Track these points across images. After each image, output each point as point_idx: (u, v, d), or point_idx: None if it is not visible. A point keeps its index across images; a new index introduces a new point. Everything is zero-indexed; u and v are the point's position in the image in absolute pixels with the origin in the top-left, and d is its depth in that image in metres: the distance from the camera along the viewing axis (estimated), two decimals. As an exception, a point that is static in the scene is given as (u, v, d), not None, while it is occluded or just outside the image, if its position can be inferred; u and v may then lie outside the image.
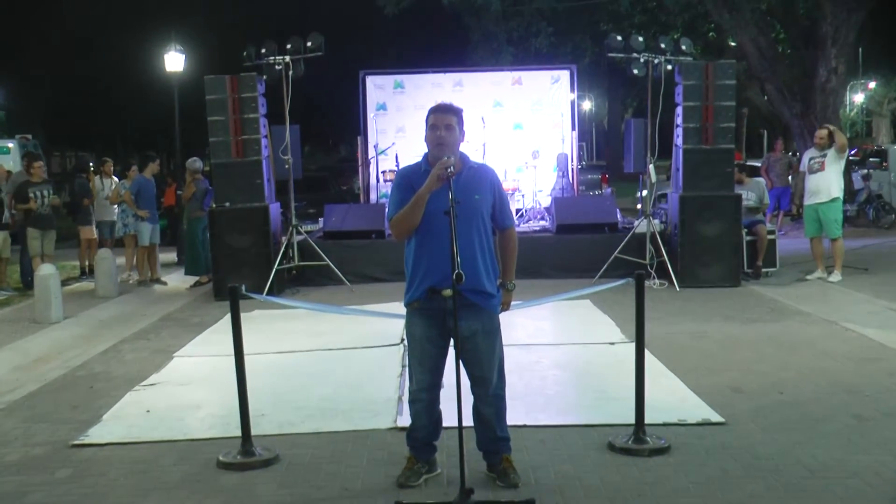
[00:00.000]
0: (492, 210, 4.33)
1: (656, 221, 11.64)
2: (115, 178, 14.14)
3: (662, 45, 11.13)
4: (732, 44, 21.06)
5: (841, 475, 4.47)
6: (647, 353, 5.11)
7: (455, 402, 3.95)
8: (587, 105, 50.03)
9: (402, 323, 4.53)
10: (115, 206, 13.27)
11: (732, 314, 8.95)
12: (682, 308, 9.38)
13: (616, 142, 34.50)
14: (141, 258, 12.52)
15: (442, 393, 4.38)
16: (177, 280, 12.62)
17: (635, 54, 11.08)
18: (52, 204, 11.77)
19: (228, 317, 5.01)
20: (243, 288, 5.00)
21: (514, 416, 4.77)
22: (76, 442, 5.35)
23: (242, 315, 4.97)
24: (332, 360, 7.37)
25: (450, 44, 26.57)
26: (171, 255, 14.90)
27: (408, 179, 4.27)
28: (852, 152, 20.75)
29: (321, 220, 12.96)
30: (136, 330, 9.10)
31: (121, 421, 5.79)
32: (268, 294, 10.15)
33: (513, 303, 4.51)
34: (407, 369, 4.55)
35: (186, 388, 6.62)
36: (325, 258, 11.16)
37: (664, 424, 5.24)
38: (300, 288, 11.31)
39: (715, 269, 10.63)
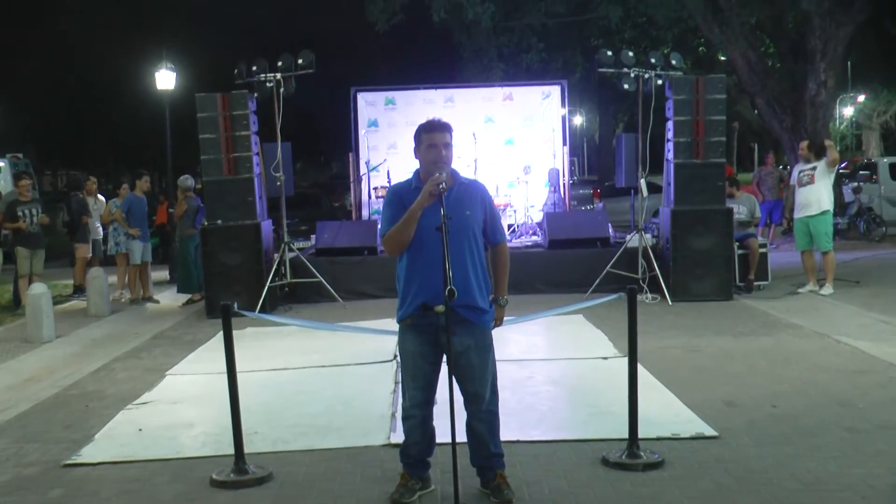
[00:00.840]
0: (483, 226, 4.35)
1: (648, 236, 11.67)
2: (101, 197, 14.11)
3: (653, 60, 11.19)
4: (722, 58, 21.23)
5: (835, 488, 4.48)
6: (640, 367, 5.12)
7: (448, 418, 3.95)
8: (578, 120, 50.16)
9: (394, 339, 4.53)
10: (104, 224, 13.26)
11: (725, 328, 8.96)
12: (674, 322, 9.39)
13: (607, 156, 34.58)
14: (133, 276, 12.50)
15: (435, 409, 4.38)
16: (169, 298, 12.60)
17: (626, 69, 11.13)
18: (41, 223, 11.75)
19: (221, 334, 5.00)
20: (235, 305, 5.00)
21: (507, 432, 4.77)
22: (68, 461, 5.32)
23: (235, 332, 4.96)
24: (324, 378, 7.35)
25: (441, 60, 26.67)
26: (163, 273, 14.87)
27: (399, 196, 4.28)
28: (842, 165, 20.85)
29: (313, 236, 12.96)
30: (129, 348, 9.07)
31: (113, 440, 5.77)
32: (260, 311, 10.18)
33: (505, 318, 4.52)
34: (400, 386, 4.54)
35: (179, 407, 6.59)
36: (318, 275, 11.16)
37: (658, 439, 5.24)
38: (292, 305, 11.29)
39: (707, 283, 10.66)
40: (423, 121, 4.36)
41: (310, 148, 39.93)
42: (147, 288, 12.65)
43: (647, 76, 11.07)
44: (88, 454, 5.46)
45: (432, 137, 4.24)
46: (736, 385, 6.61)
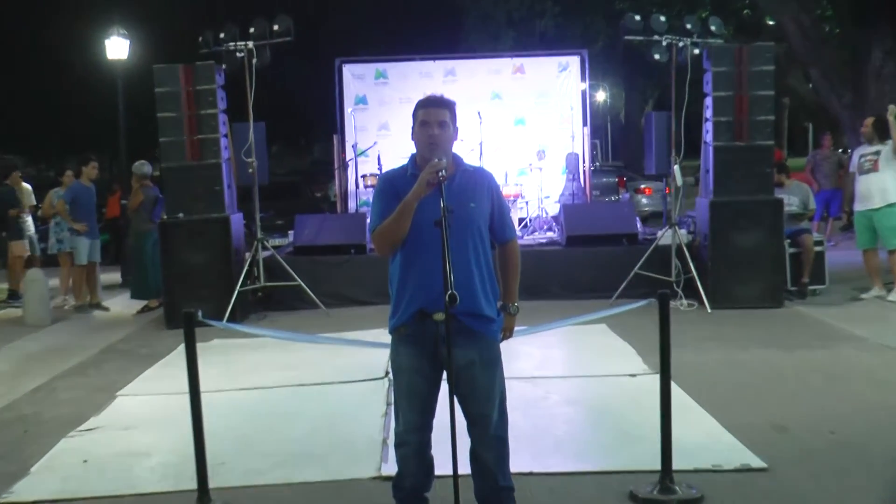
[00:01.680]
0: (490, 220, 4.33)
1: (683, 232, 11.66)
2: (26, 185, 14.06)
3: (688, 26, 11.16)
4: (770, 22, 21.16)
5: (903, 528, 4.46)
6: (673, 385, 5.11)
7: (449, 445, 3.93)
8: (601, 96, 50.12)
9: (386, 353, 4.50)
10: (44, 219, 13.26)
11: (774, 339, 8.96)
12: (714, 333, 9.39)
13: (635, 139, 34.59)
14: (78, 279, 12.48)
15: (434, 435, 4.36)
16: (121, 305, 12.59)
17: (656, 37, 11.11)
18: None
19: (182, 347, 4.98)
20: (200, 313, 4.98)
21: (518, 462, 4.75)
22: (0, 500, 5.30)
23: (199, 345, 4.94)
24: (304, 398, 7.33)
25: (441, 26, 26.70)
26: (114, 276, 14.87)
27: (392, 185, 4.26)
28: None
29: (291, 232, 12.96)
30: (73, 364, 9.06)
31: (54, 473, 5.74)
32: (229, 320, 10.17)
33: (516, 328, 4.50)
34: (392, 407, 4.51)
35: (132, 433, 6.58)
36: (296, 278, 11.15)
37: (695, 471, 5.23)
38: (267, 313, 11.29)
39: (753, 287, 10.64)
40: (420, 97, 4.35)
41: (287, 129, 39.91)
42: (95, 293, 12.63)
43: (681, 44, 11.06)
44: (23, 490, 5.43)
45: (424, 114, 4.23)
46: (787, 407, 6.59)
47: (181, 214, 10.91)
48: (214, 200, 10.94)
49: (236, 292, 10.68)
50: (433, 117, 4.21)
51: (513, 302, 4.45)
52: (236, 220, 11.25)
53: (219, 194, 10.94)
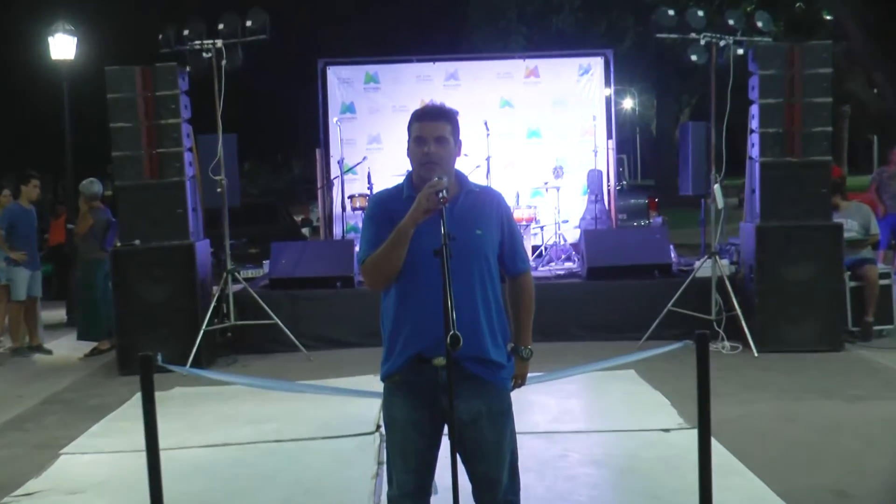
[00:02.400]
0: (499, 249, 4.34)
1: (725, 262, 11.65)
2: None
3: (731, 22, 11.19)
4: (828, 17, 21.22)
5: None
6: (714, 442, 5.09)
7: (451, 513, 3.93)
8: (628, 104, 50.39)
9: (377, 404, 4.51)
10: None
11: (833, 389, 8.93)
12: (762, 380, 9.37)
13: (668, 154, 34.68)
14: (16, 317, 12.45)
15: (433, 500, 4.36)
16: (67, 347, 12.58)
17: (693, 34, 11.14)
18: None
19: (138, 397, 4.98)
20: (159, 357, 4.99)
21: (532, 533, 4.74)
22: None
23: (158, 395, 4.94)
24: (282, 457, 7.31)
25: (441, 22, 26.80)
26: (58, 313, 14.85)
27: (385, 209, 4.27)
28: None
29: (267, 262, 12.98)
30: (9, 417, 9.04)
31: (-11, 543, 5.74)
32: (193, 365, 10.17)
33: (529, 375, 4.50)
34: (385, 467, 4.52)
35: (79, 499, 6.55)
36: (273, 315, 11.14)
37: (740, 542, 5.21)
38: (238, 357, 11.28)
39: (807, 327, 10.63)
40: (418, 106, 4.36)
41: (262, 142, 40.09)
42: (35, 333, 12.61)
43: (722, 43, 11.09)
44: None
45: (419, 128, 4.23)
46: (849, 468, 6.57)
47: (137, 241, 10.90)
48: (177, 225, 10.94)
49: (202, 332, 10.66)
50: (429, 132, 4.20)
51: (525, 344, 4.45)
52: (202, 248, 11.25)
53: (182, 218, 10.94)
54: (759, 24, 11.18)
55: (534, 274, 4.64)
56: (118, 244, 11.08)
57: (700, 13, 11.39)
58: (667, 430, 7.62)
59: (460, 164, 4.38)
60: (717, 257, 11.18)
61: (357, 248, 4.41)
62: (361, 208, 13.45)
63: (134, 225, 10.96)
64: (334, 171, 14.77)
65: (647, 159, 50.20)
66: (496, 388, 4.26)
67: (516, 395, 4.40)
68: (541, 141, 15.27)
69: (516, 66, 15.67)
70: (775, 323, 10.67)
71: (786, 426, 7.73)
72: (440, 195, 3.93)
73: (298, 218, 22.92)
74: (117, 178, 11.03)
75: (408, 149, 4.31)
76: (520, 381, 4.45)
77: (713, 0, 21.62)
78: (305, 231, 22.39)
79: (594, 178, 14.58)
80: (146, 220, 10.92)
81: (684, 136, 12.33)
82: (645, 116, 50.22)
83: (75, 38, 20.78)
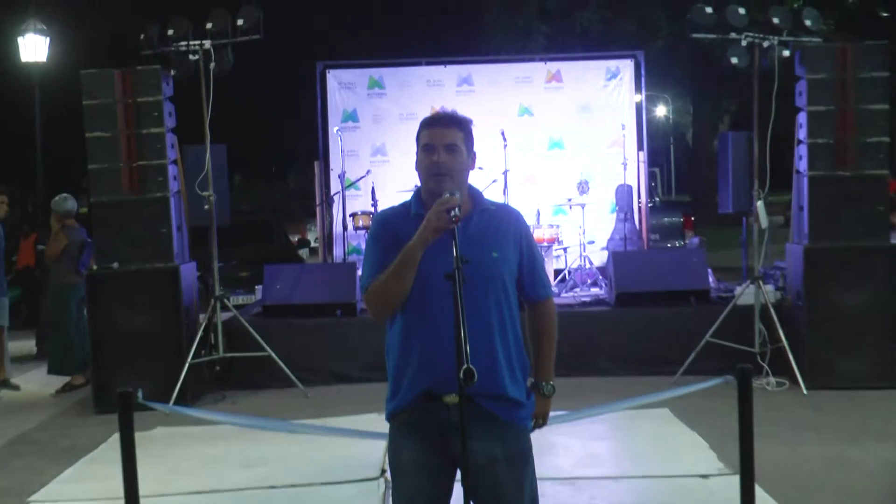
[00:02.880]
0: (518, 273, 4.33)
1: (770, 287, 11.63)
2: None
3: (775, 21, 11.16)
4: (884, 14, 21.17)
5: None
6: (758, 490, 5.08)
7: (464, 568, 3.92)
8: (661, 112, 50.43)
9: (382, 446, 4.51)
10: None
11: (891, 431, 8.91)
12: (812, 421, 9.35)
13: (706, 167, 34.66)
14: (-19, 349, 12.50)
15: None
16: (36, 382, 12.59)
17: (734, 34, 11.13)
18: None
19: (116, 438, 4.98)
20: (140, 393, 4.99)
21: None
22: None
23: (139, 435, 4.94)
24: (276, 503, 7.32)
25: (454, 22, 26.83)
26: (27, 344, 14.87)
27: (391, 228, 4.27)
28: None
29: (259, 288, 12.98)
30: (-25, 459, 9.05)
31: None
32: (177, 402, 10.16)
33: (552, 413, 4.49)
34: (391, 517, 4.50)
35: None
36: (266, 347, 11.13)
37: None
38: (227, 393, 11.28)
39: (862, 361, 10.58)
40: (428, 113, 4.37)
41: (255, 153, 40.19)
42: (2, 366, 12.61)
43: (766, 44, 11.07)
44: None
45: (428, 135, 4.23)
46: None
47: (116, 264, 10.92)
48: (160, 246, 10.94)
49: (187, 366, 10.66)
50: (439, 139, 4.20)
51: (547, 380, 4.44)
52: (188, 271, 11.27)
53: (165, 238, 10.95)
54: (807, 22, 11.12)
55: (556, 301, 4.64)
56: (94, 267, 11.10)
57: (741, 10, 11.29)
58: (705, 476, 7.60)
59: (474, 179, 4.38)
60: (761, 282, 11.15)
61: (359, 273, 4.38)
62: (365, 228, 13.46)
63: (112, 246, 10.96)
64: (334, 186, 14.78)
65: (682, 173, 50.26)
66: (515, 429, 4.25)
67: (537, 437, 4.39)
68: (564, 153, 15.27)
69: (537, 70, 15.68)
70: (827, 356, 10.62)
71: (839, 472, 7.70)
72: (452, 213, 3.92)
73: (295, 238, 22.96)
74: (93, 193, 11.03)
75: (416, 161, 4.31)
76: (541, 421, 4.44)
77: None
78: (303, 253, 22.44)
79: (623, 194, 14.57)
80: (125, 241, 10.92)
81: (724, 148, 12.31)
82: (680, 125, 50.31)
83: (48, 39, 20.79)
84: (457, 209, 3.94)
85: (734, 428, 5.05)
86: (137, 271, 10.91)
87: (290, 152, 40.53)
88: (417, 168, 4.29)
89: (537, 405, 4.40)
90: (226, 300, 11.49)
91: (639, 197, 14.94)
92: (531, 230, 4.52)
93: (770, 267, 12.66)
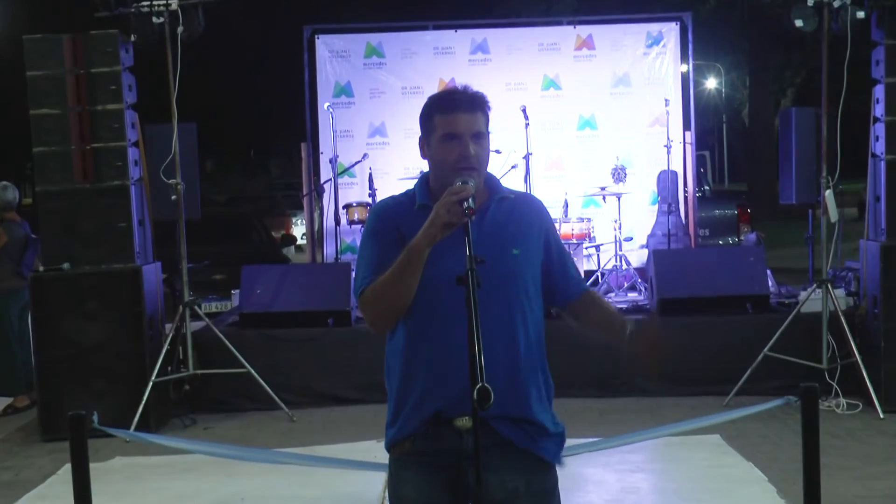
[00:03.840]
0: (546, 274, 4.34)
1: (840, 292, 11.63)
2: None
3: (848, -23, 11.20)
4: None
5: None
6: (827, 531, 5.08)
7: None
8: (712, 84, 50.39)
9: (381, 478, 4.53)
10: None
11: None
12: (889, 450, 9.34)
13: (766, 150, 34.66)
14: None
15: None
16: (-26, 404, 12.63)
17: (798, -8, 11.16)
18: None
19: (67, 470, 5.01)
20: (95, 417, 5.00)
21: None
22: None
23: (94, 466, 4.96)
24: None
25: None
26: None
27: (392, 222, 4.27)
28: None
29: (236, 293, 13.02)
30: None
31: None
32: (139, 428, 10.18)
33: (581, 441, 4.51)
34: (391, 563, 4.51)
35: None
36: (244, 362, 11.15)
37: None
38: (198, 417, 11.30)
39: (950, 380, 10.61)
40: (436, 90, 4.37)
41: (230, 134, 40.22)
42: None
43: (836, 4, 11.06)
44: None
45: (452, 121, 4.19)
46: None
47: (66, 265, 10.91)
48: (118, 243, 10.94)
49: (150, 384, 10.67)
50: (465, 126, 4.16)
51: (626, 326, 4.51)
52: (151, 273, 11.27)
53: (125, 234, 10.95)
54: (887, -23, 11.14)
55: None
56: (40, 268, 11.09)
57: (807, -35, 11.34)
58: (764, 515, 7.62)
59: (490, 165, 4.37)
60: (830, 286, 11.14)
61: (354, 275, 4.36)
62: (360, 222, 13.48)
63: (61, 243, 10.94)
64: (325, 172, 14.80)
65: (736, 157, 50.19)
66: (539, 460, 4.25)
67: (566, 472, 4.39)
68: (596, 133, 15.28)
69: (564, 35, 15.64)
70: (908, 374, 10.65)
71: (922, 510, 7.71)
72: (465, 205, 3.88)
73: (278, 234, 22.97)
74: (39, 181, 11.00)
75: (421, 146, 4.30)
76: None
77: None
78: (287, 252, 22.46)
79: (667, 183, 14.55)
80: (77, 237, 10.90)
81: (786, 127, 12.28)
82: (734, 100, 50.23)
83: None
84: (471, 200, 3.89)
85: (797, 458, 5.05)
86: (91, 273, 10.89)
87: (272, 133, 40.59)
88: (430, 158, 4.27)
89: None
90: (196, 307, 11.48)
91: (685, 185, 14.95)
92: (554, 222, 4.52)
93: (841, 268, 12.65)
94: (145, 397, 10.56)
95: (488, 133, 4.25)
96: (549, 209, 4.51)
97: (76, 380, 10.63)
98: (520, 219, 4.29)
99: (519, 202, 4.37)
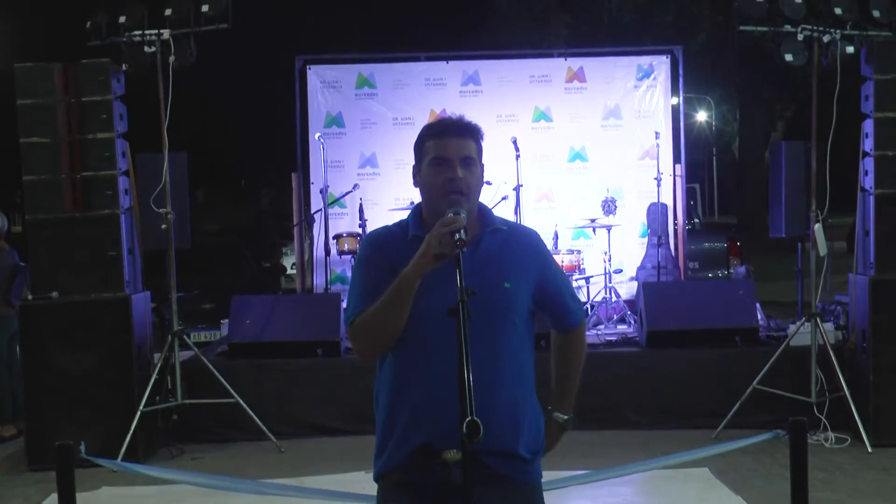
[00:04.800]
0: (542, 304, 4.33)
1: (829, 326, 11.63)
2: None
3: (838, 11, 11.17)
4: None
5: None
6: (816, 566, 5.07)
7: None
8: (701, 118, 50.51)
9: (370, 511, 4.50)
10: None
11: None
12: (878, 485, 9.31)
13: (756, 183, 34.72)
14: None
15: None
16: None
17: (789, 27, 11.15)
18: None
19: (54, 499, 4.99)
20: (82, 447, 4.98)
21: None
22: None
23: (81, 496, 4.94)
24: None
25: (458, 9, 26.85)
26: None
27: (383, 253, 4.27)
28: None
29: (225, 322, 13.00)
30: None
31: None
32: (127, 458, 10.14)
33: (570, 473, 4.49)
34: None
35: None
36: (233, 393, 11.12)
37: None
38: (186, 447, 11.26)
39: (939, 415, 10.60)
40: (427, 121, 4.37)
41: (221, 164, 40.22)
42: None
43: (826, 39, 11.09)
44: None
45: (442, 145, 4.21)
46: None
47: (55, 294, 10.89)
48: (107, 272, 10.91)
49: (139, 414, 10.63)
50: (454, 151, 4.19)
51: (567, 411, 4.45)
52: (140, 302, 11.25)
53: (115, 263, 10.92)
54: (876, 13, 11.08)
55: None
56: (29, 297, 11.08)
57: (798, -1, 11.37)
58: (752, 549, 7.61)
59: (481, 196, 4.38)
60: (819, 320, 11.13)
61: (345, 305, 4.36)
62: (351, 252, 13.49)
63: (50, 272, 10.91)
64: (315, 202, 14.80)
65: (726, 190, 50.25)
66: (525, 489, 4.25)
67: (553, 501, 4.38)
68: (587, 165, 15.30)
69: (556, 67, 15.71)
70: (896, 408, 10.65)
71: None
72: (457, 236, 3.89)
73: (268, 264, 22.96)
74: (29, 209, 10.97)
75: (414, 175, 4.30)
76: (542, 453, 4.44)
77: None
78: (280, 282, 22.44)
79: (657, 215, 14.58)
80: (66, 266, 10.87)
81: (776, 160, 12.31)
82: (724, 133, 50.33)
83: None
84: (462, 231, 3.90)
85: (786, 492, 5.04)
86: (81, 302, 10.85)
87: (263, 163, 40.53)
88: (420, 184, 4.28)
89: (549, 436, 4.42)
90: (185, 337, 11.46)
91: (675, 218, 14.96)
92: (551, 253, 4.52)
93: (830, 302, 12.67)
94: (133, 427, 10.51)
95: (481, 162, 4.26)
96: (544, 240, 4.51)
97: (64, 409, 10.58)
98: (513, 251, 4.29)
99: (513, 234, 4.36)
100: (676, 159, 15.26)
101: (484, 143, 4.31)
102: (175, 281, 11.50)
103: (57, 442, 4.98)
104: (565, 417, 4.46)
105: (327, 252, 14.32)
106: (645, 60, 15.65)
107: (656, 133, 14.96)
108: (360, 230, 13.65)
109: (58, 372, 10.71)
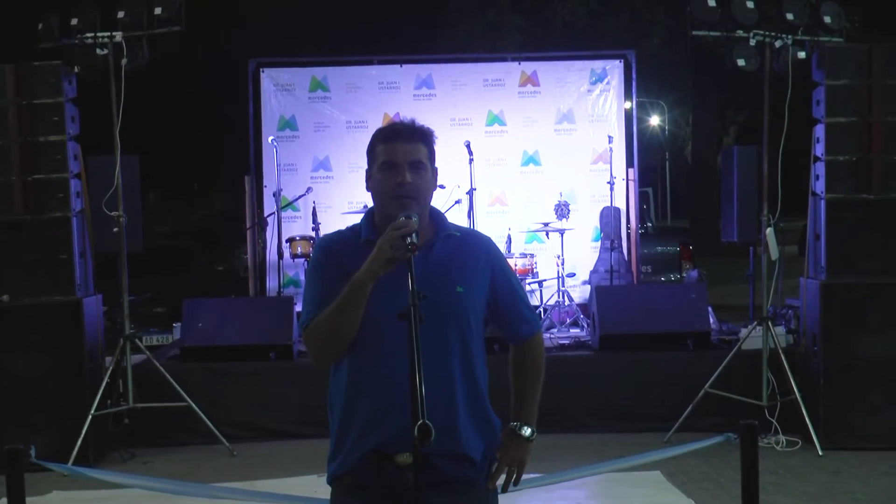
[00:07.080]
0: (495, 311, 4.34)
1: (780, 330, 11.68)
2: None
3: (789, 17, 11.20)
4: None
5: None
6: (766, 569, 5.09)
7: None
8: (655, 122, 50.63)
9: (322, 514, 4.50)
10: None
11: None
12: (828, 487, 9.37)
13: (708, 188, 34.83)
14: None
15: None
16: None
17: (741, 32, 11.19)
18: None
19: (3, 503, 4.95)
20: (32, 451, 4.95)
21: None
22: None
23: (31, 500, 4.91)
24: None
25: (411, 12, 26.81)
26: None
27: (336, 257, 4.27)
28: None
29: (177, 326, 12.94)
30: None
31: None
32: (78, 462, 10.08)
33: (526, 476, 4.47)
34: None
35: None
36: (185, 396, 11.07)
37: None
38: (138, 451, 11.21)
39: (889, 418, 10.61)
40: (381, 124, 4.37)
41: (174, 167, 40.03)
42: None
43: (778, 44, 11.12)
44: None
45: (391, 150, 4.22)
46: None
47: (5, 297, 10.82)
48: (58, 276, 10.84)
49: (90, 418, 10.57)
50: (403, 155, 4.19)
51: (529, 422, 4.44)
52: (92, 305, 11.19)
53: (66, 266, 10.86)
54: (827, 19, 11.10)
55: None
56: (-22, 300, 11.03)
57: (750, 4, 11.30)
58: (704, 552, 7.63)
59: (435, 201, 4.38)
60: (771, 324, 11.19)
61: (298, 309, 4.37)
62: (304, 255, 13.45)
63: (1, 274, 10.83)
64: (268, 205, 14.76)
65: (679, 194, 50.36)
66: (480, 493, 4.25)
67: (507, 500, 4.38)
68: (540, 169, 15.29)
69: (509, 72, 15.69)
70: (847, 411, 10.66)
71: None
72: (409, 240, 3.89)
73: (220, 267, 22.86)
74: (-21, 213, 10.97)
75: (367, 179, 4.30)
76: (515, 469, 4.41)
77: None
78: (233, 285, 22.34)
79: (609, 219, 14.60)
80: (17, 269, 10.80)
81: (728, 165, 12.35)
82: (677, 138, 50.45)
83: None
84: (414, 235, 3.91)
85: (737, 495, 5.07)
86: (31, 305, 10.79)
87: (215, 166, 40.37)
88: (372, 189, 4.28)
89: (515, 450, 4.39)
90: (137, 340, 11.41)
91: (628, 222, 14.98)
92: (504, 258, 4.51)
93: (781, 306, 12.72)
94: (84, 431, 10.46)
95: (433, 166, 4.27)
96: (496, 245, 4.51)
97: (14, 412, 10.51)
98: (466, 256, 4.29)
99: (466, 239, 4.37)
100: (629, 163, 15.28)
101: (437, 147, 4.32)
102: (127, 284, 11.46)
103: (6, 446, 4.95)
104: (529, 431, 4.44)
105: (280, 255, 14.28)
106: (598, 65, 15.66)
107: (609, 137, 14.95)
108: (313, 233, 13.63)
109: (8, 375, 10.66)
